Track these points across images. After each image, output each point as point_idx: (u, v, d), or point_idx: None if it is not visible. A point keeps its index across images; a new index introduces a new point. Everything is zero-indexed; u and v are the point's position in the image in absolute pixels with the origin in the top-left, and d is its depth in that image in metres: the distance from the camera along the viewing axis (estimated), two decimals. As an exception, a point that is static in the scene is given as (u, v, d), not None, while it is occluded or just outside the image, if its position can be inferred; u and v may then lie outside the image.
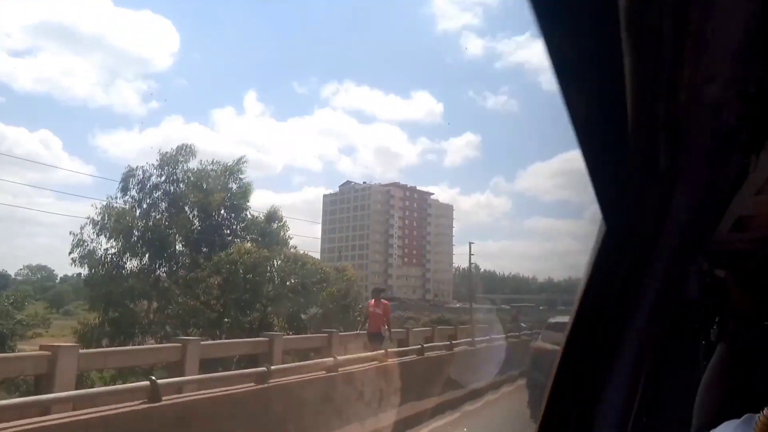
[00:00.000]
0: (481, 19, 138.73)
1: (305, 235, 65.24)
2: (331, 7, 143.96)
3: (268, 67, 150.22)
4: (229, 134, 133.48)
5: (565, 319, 9.05)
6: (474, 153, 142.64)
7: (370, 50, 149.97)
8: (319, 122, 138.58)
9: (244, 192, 22.52)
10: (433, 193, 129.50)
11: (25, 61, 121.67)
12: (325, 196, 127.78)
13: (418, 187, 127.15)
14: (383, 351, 9.13)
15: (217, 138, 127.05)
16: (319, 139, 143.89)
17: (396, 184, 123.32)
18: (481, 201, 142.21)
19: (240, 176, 22.56)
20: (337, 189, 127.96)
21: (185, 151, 22.02)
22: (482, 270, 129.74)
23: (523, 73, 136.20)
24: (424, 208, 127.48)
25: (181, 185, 21.57)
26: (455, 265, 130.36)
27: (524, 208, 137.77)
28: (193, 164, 22.46)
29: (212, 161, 22.89)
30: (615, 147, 0.86)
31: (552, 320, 11.96)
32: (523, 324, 21.41)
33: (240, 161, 22.79)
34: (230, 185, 22.16)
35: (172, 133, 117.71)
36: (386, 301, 10.99)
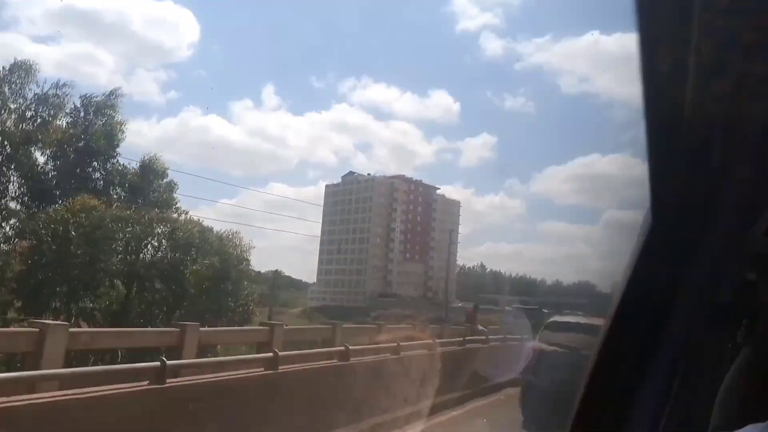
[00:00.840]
0: (502, 20, 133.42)
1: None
2: (350, 2, 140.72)
3: (286, 60, 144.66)
4: (247, 126, 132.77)
5: (567, 318, 10.43)
6: (489, 154, 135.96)
7: (388, 47, 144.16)
8: (336, 117, 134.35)
9: (110, 133, 16.44)
10: (439, 188, 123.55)
11: (48, 47, 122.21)
12: (327, 186, 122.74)
13: (424, 181, 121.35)
14: None
15: (235, 130, 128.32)
16: (335, 135, 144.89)
17: (401, 177, 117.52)
18: (495, 202, 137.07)
19: (111, 113, 16.69)
20: (340, 180, 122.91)
21: (22, 69, 15.80)
22: (489, 270, 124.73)
23: (542, 75, 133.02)
24: (429, 203, 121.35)
25: (12, 117, 15.70)
26: (460, 263, 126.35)
27: (538, 211, 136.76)
28: (34, 89, 16.64)
29: (59, 83, 17.01)
30: (670, 141, 0.89)
31: (552, 320, 10.52)
32: (481, 327, 16.16)
33: (113, 94, 16.93)
34: (95, 123, 16.54)
35: (189, 123, 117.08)
36: None
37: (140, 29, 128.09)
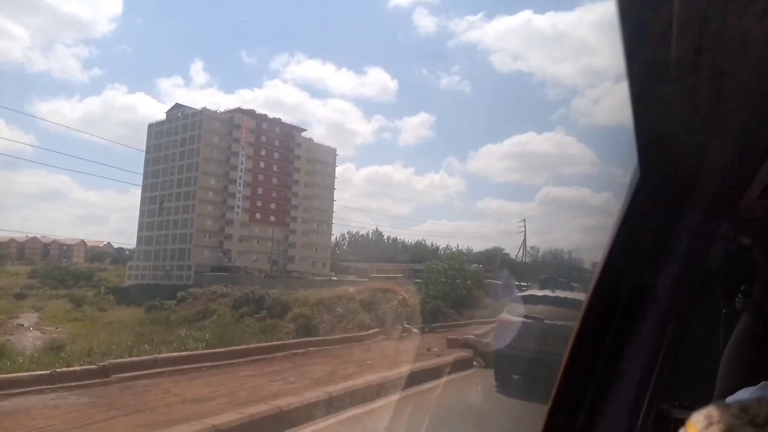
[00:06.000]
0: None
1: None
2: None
3: (214, 33, 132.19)
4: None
5: (537, 292, 10.91)
6: (428, 133, 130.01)
7: (320, 21, 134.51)
8: (270, 95, 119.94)
9: None
10: (305, 129, 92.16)
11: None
12: (150, 126, 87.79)
13: (283, 120, 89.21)
14: None
15: (164, 108, 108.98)
16: (270, 113, 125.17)
17: (246, 111, 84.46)
18: (435, 181, 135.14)
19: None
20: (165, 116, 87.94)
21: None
22: (386, 237, 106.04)
23: (475, 54, 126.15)
24: (291, 149, 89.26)
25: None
26: (349, 230, 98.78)
27: (476, 189, 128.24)
28: None
29: None
30: (658, 86, 0.84)
31: (523, 293, 11.47)
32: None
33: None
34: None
35: (115, 102, 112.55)
36: None
37: (55, 1, 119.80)
